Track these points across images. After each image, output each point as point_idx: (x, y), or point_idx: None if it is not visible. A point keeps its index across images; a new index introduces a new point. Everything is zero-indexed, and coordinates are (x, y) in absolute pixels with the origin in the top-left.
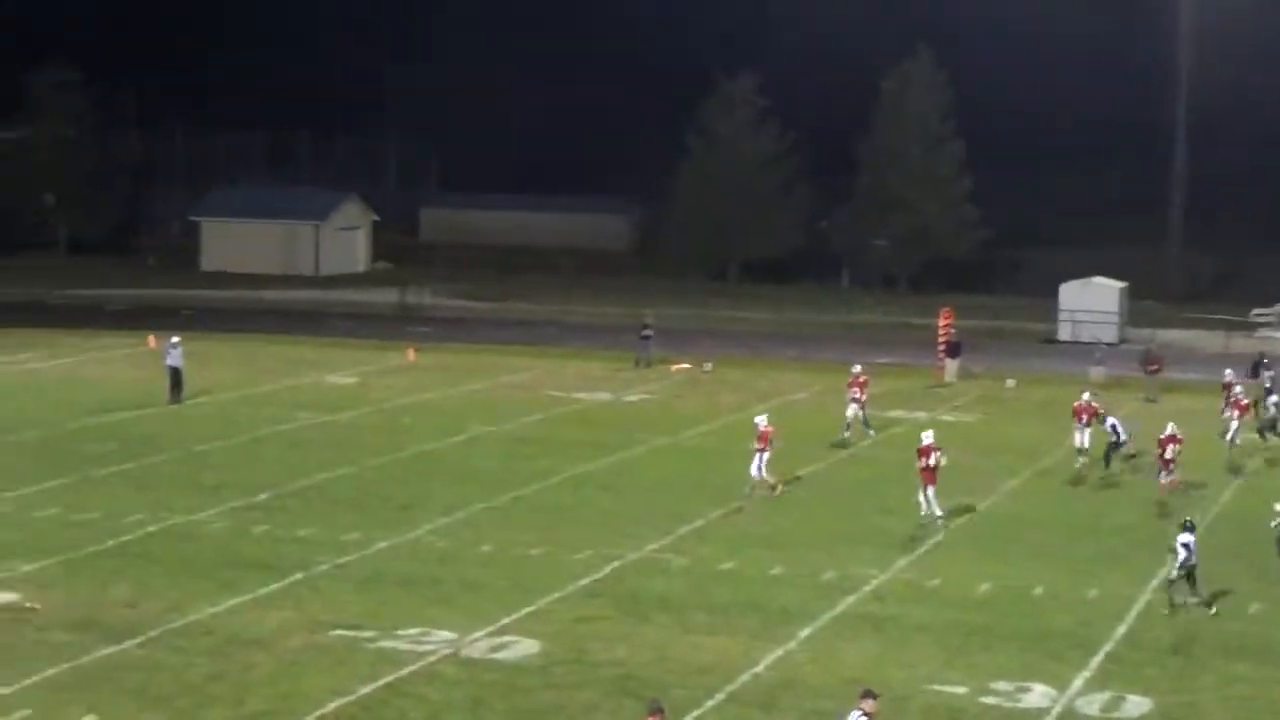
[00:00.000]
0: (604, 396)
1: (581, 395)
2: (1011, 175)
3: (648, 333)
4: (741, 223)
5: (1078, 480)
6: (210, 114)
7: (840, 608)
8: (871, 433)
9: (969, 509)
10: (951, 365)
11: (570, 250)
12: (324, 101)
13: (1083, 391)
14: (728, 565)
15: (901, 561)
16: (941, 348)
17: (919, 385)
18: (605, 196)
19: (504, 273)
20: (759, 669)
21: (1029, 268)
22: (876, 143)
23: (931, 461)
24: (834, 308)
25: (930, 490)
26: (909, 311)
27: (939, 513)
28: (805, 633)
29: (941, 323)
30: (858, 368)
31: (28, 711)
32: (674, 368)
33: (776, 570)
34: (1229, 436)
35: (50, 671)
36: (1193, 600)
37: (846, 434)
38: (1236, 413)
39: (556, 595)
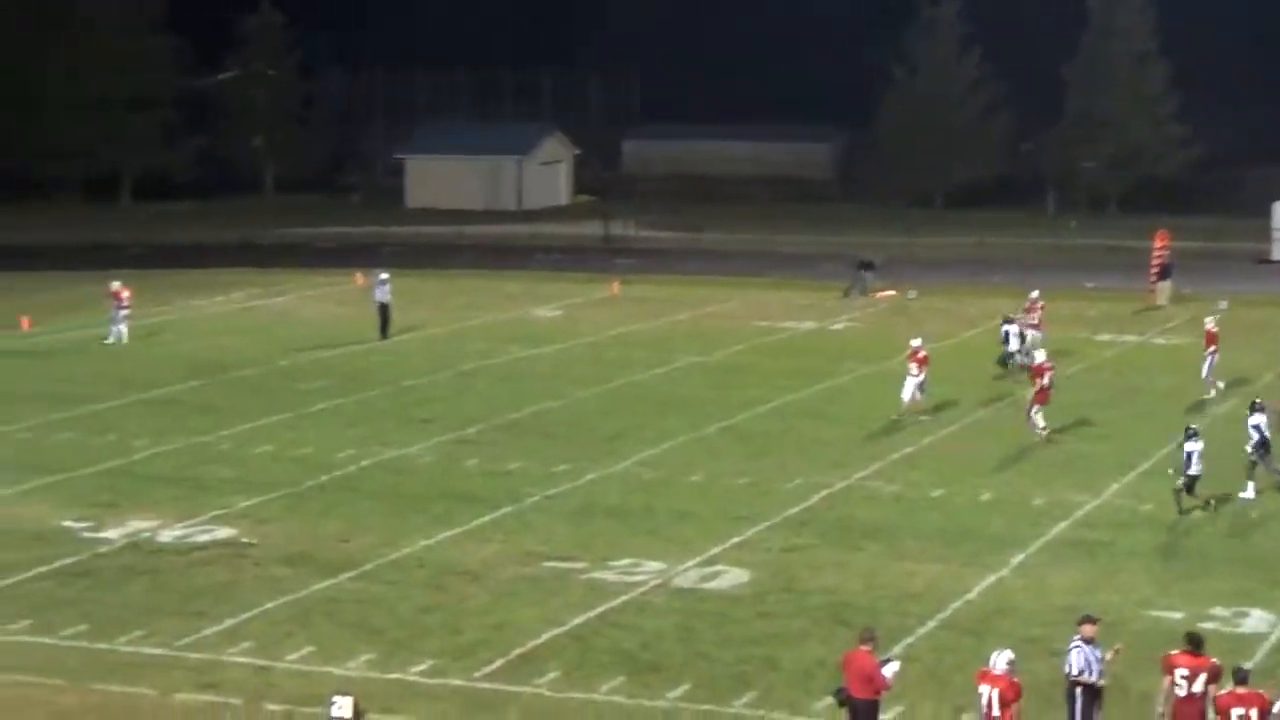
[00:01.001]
0: (809, 325)
1: (787, 324)
2: (1222, 93)
3: (869, 266)
4: (945, 149)
5: None
6: (411, 52)
7: (1052, 533)
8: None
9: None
10: (1164, 287)
11: (772, 179)
12: (525, 36)
13: None
14: (937, 492)
15: (1113, 487)
16: (1155, 270)
17: (1128, 309)
18: (807, 125)
19: (706, 203)
20: (971, 596)
21: (1241, 187)
22: (1082, 63)
23: (1046, 381)
24: (1040, 232)
25: (1039, 408)
26: (1117, 234)
27: (1040, 427)
28: (1017, 559)
29: (1157, 245)
30: (1035, 293)
31: (249, 644)
32: (878, 295)
33: (986, 496)
34: None
35: (269, 605)
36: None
37: (1024, 360)
38: None
39: (765, 524)
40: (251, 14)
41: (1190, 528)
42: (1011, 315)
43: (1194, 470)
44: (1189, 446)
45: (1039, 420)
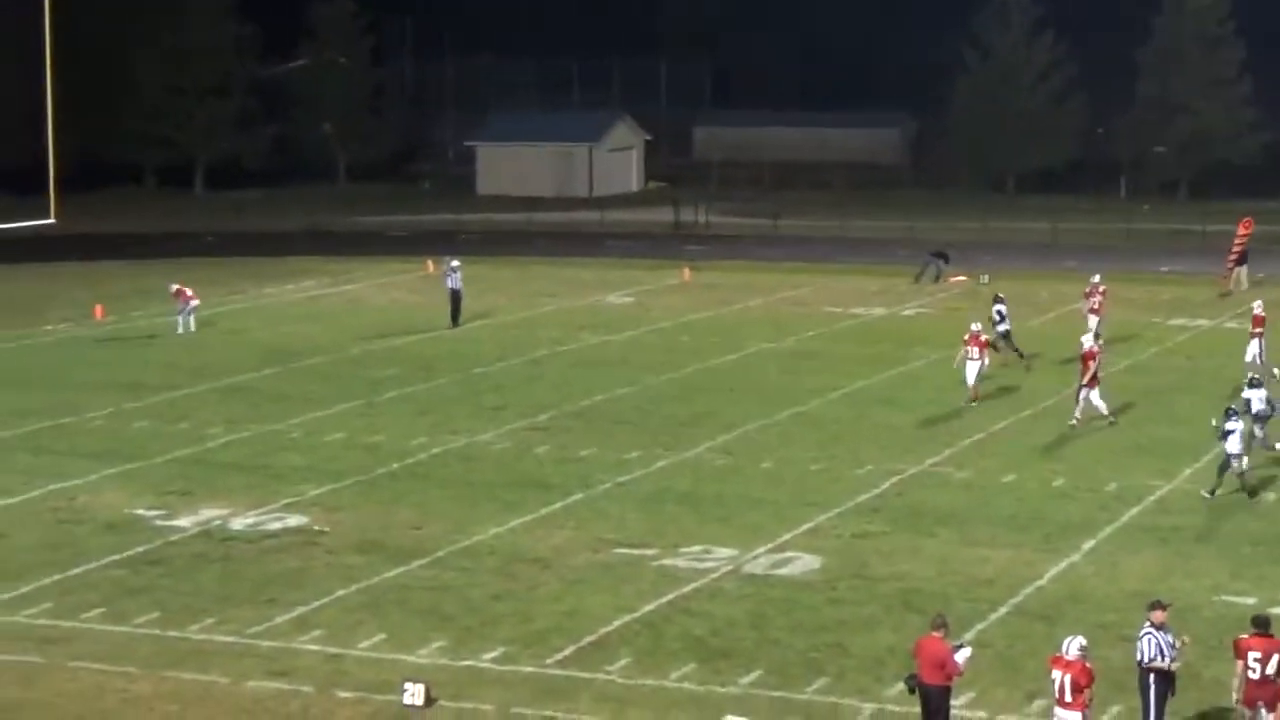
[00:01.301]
0: (880, 311)
1: (858, 310)
2: None
3: (943, 257)
4: (1017, 134)
5: None
6: (482, 39)
7: (1124, 519)
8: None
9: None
10: (1240, 273)
11: (843, 165)
12: (594, 22)
13: None
14: (1009, 478)
15: (1186, 472)
16: (1234, 255)
17: (1202, 293)
18: (878, 110)
19: (777, 189)
20: (1042, 582)
21: None
22: (1155, 46)
23: (1094, 366)
24: (1112, 217)
25: (1088, 392)
26: (1187, 219)
27: (1104, 412)
28: (1089, 545)
29: (1240, 231)
30: (1096, 277)
31: (320, 631)
32: (951, 279)
33: (1059, 482)
34: None
35: (341, 593)
36: None
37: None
38: None
39: (837, 511)
40: (323, 2)
41: (1265, 512)
42: (1001, 294)
43: (1235, 449)
44: (1229, 426)
45: (1100, 405)
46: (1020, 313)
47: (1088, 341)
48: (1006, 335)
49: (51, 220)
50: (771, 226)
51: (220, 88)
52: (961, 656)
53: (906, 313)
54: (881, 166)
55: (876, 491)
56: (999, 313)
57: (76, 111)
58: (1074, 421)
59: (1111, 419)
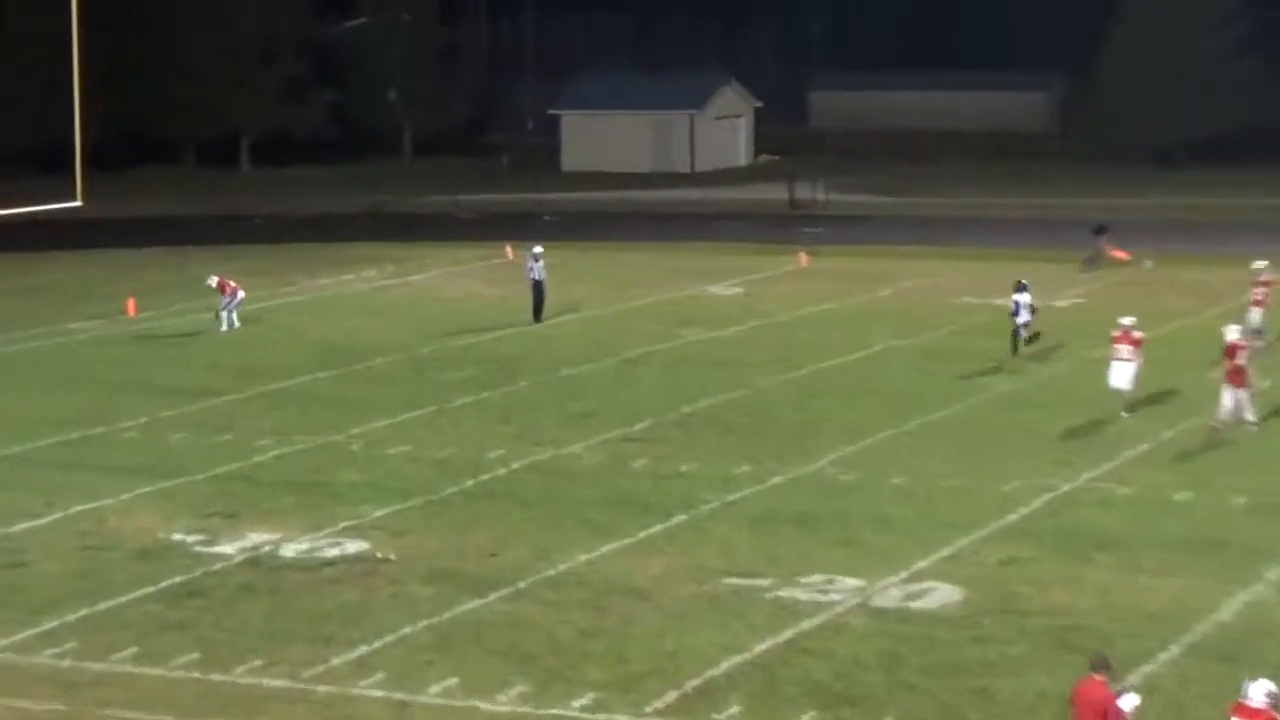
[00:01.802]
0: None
1: (1001, 300)
2: None
3: (1100, 230)
4: (1183, 97)
5: None
6: None
7: None
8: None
9: None
10: None
11: (981, 134)
12: None
13: None
14: (1181, 495)
15: None
16: None
17: None
18: (1021, 72)
19: (907, 162)
20: (1221, 616)
21: None
22: None
23: (1240, 361)
24: None
25: (1237, 393)
26: None
27: (1249, 420)
28: (1274, 573)
29: None
30: (1261, 263)
31: (384, 674)
32: (1113, 252)
33: (1240, 500)
34: None
35: (407, 630)
36: None
37: (1259, 342)
38: None
39: (980, 533)
40: None
41: None
42: (1024, 280)
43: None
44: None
45: (1247, 413)
46: (1190, 304)
47: (1231, 334)
48: (1023, 328)
49: (78, 203)
50: (900, 205)
51: (269, 50)
52: (1127, 704)
53: (1059, 304)
54: (1026, 135)
55: (1026, 511)
56: (1020, 303)
57: (106, 81)
58: (1252, 424)
59: (1255, 424)
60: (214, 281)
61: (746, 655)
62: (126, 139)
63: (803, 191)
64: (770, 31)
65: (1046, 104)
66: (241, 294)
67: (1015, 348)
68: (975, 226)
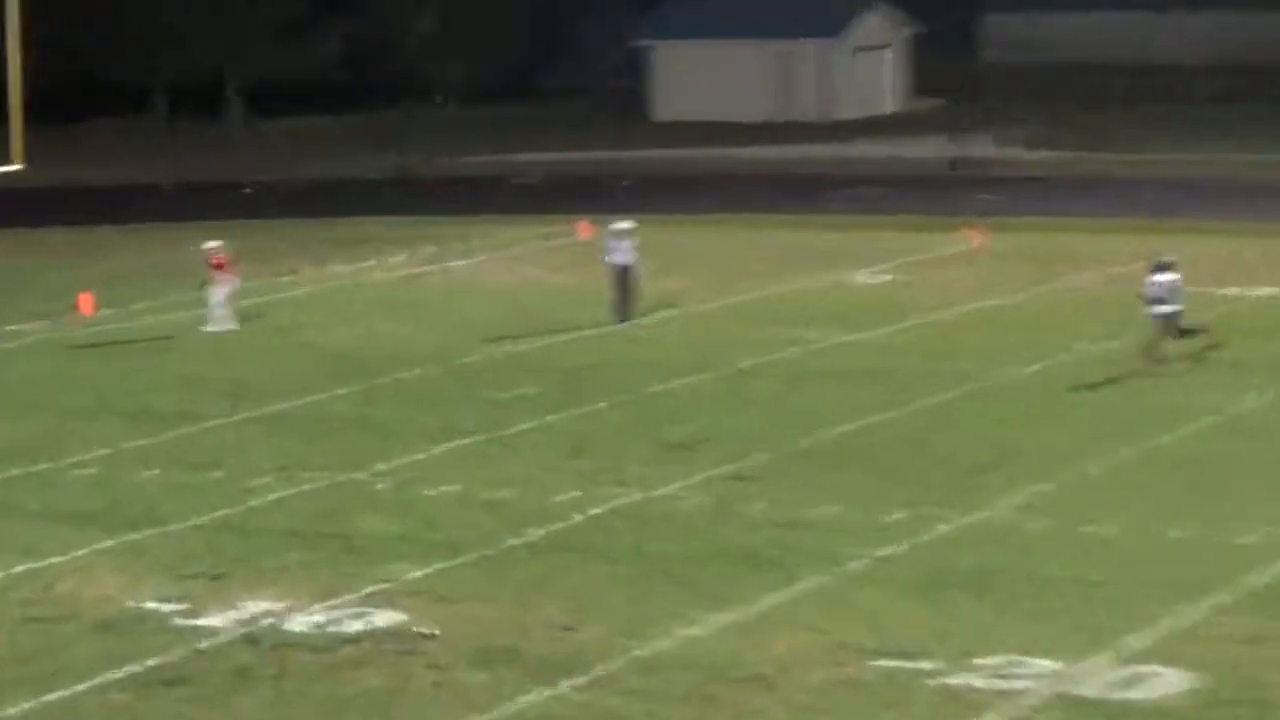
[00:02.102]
0: (1268, 291)
1: (1232, 290)
2: None
3: None
4: None
5: None
6: None
7: None
8: None
9: None
10: None
11: (1203, 69)
12: None
13: None
14: None
15: None
16: None
17: None
18: None
19: (1109, 108)
20: None
21: None
22: None
23: None
24: None
25: None
26: None
27: None
28: None
29: None
30: None
31: None
32: None
33: None
34: None
35: None
36: None
37: None
38: None
39: (1215, 600)
40: None
41: None
42: (1164, 259)
43: None
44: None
45: None
46: None
47: None
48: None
49: (16, 166)
50: (1102, 163)
51: None
52: None
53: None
54: (1263, 70)
55: (1276, 571)
56: (1156, 285)
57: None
58: None
59: None
60: (210, 252)
61: None
62: (77, 84)
63: (973, 146)
64: None
65: None
66: (235, 282)
67: (1161, 347)
68: (1200, 191)
